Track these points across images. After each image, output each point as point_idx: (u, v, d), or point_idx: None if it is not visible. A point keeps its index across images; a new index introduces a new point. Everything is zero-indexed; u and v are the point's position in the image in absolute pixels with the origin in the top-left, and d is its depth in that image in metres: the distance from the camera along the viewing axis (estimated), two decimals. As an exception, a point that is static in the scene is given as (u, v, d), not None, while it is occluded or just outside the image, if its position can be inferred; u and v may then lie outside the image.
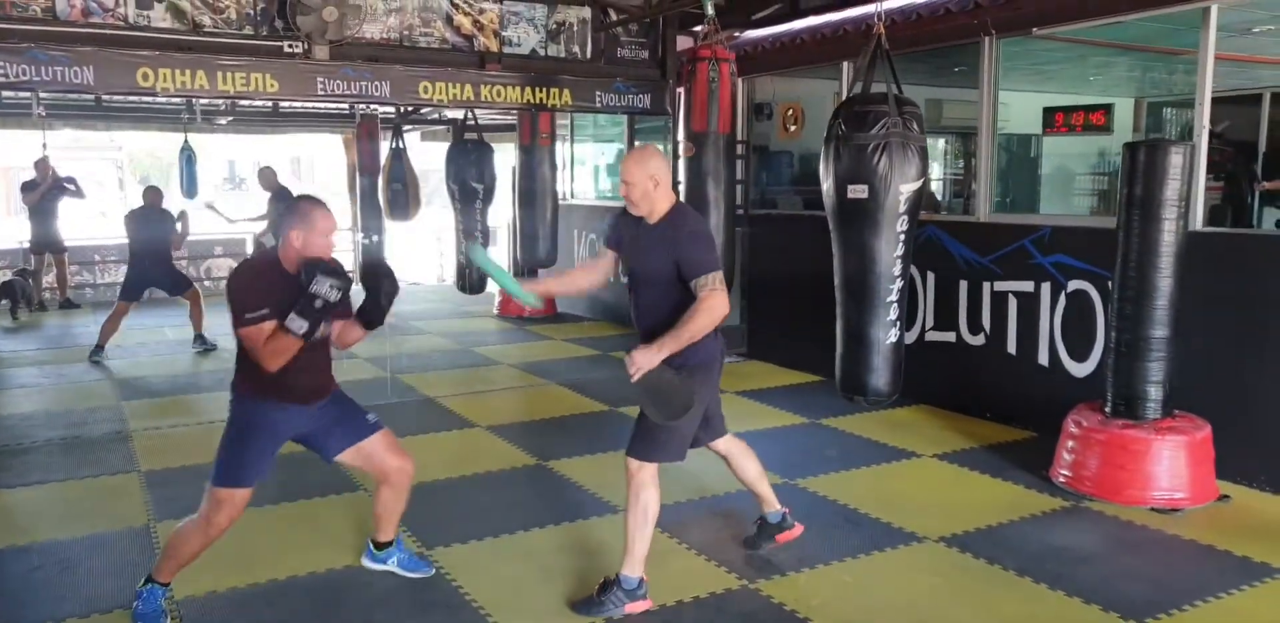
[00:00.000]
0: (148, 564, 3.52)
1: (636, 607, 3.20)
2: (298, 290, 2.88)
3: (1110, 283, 4.70)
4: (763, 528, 3.70)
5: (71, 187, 10.42)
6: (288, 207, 3.06)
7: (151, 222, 7.72)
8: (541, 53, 6.81)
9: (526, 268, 9.80)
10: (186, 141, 11.66)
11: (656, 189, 3.17)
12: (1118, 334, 4.17)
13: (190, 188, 11.78)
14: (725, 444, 3.55)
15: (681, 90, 6.37)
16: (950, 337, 5.75)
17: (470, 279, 8.67)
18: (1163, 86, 8.16)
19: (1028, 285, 5.27)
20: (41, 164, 10.27)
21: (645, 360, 3.00)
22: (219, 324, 8.15)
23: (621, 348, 8.13)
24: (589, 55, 7.00)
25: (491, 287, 9.53)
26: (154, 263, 7.67)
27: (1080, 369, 5.02)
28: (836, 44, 6.49)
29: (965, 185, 8.53)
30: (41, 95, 8.61)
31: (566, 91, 6.83)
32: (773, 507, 3.65)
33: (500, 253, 11.94)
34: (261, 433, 3.08)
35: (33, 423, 5.72)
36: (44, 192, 10.12)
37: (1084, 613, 3.15)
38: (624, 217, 3.33)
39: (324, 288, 2.85)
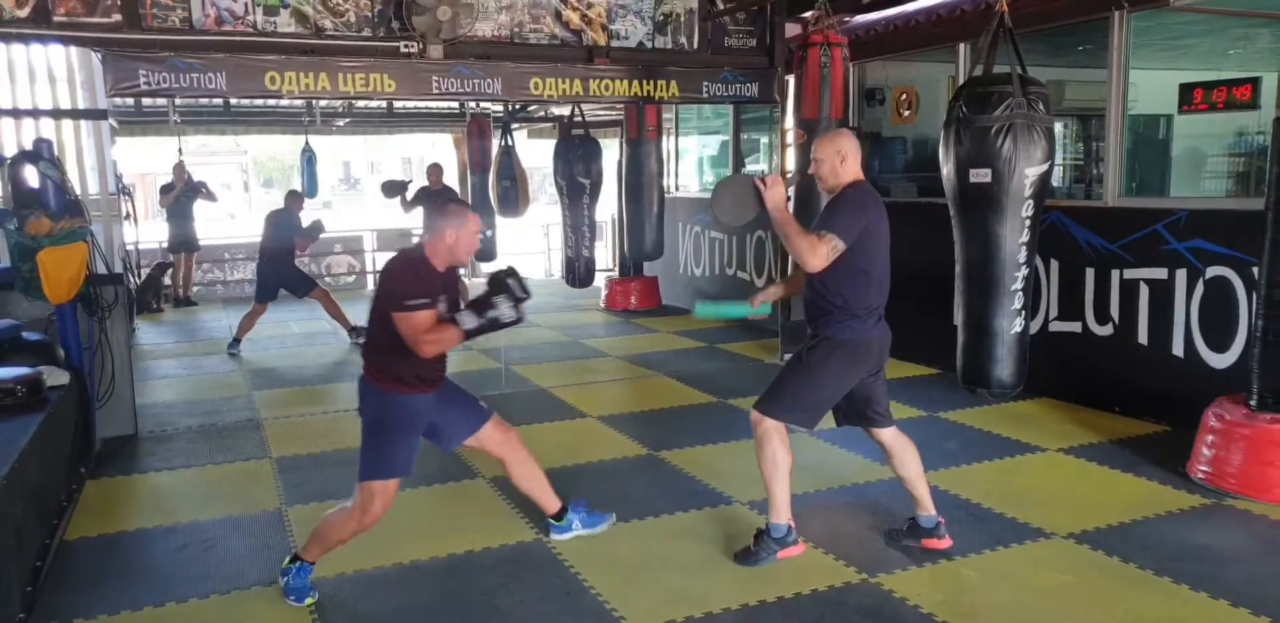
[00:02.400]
0: (280, 546, 3.75)
1: (789, 553, 3.40)
2: (442, 286, 3.06)
3: (1255, 268, 4.43)
4: (912, 529, 3.61)
5: (204, 190, 11.03)
6: (439, 209, 3.21)
7: (283, 225, 8.05)
8: (649, 45, 6.82)
9: (634, 261, 9.88)
10: (307, 143, 12.17)
11: (843, 164, 3.27)
12: (1265, 323, 3.91)
13: (311, 188, 12.29)
14: (888, 437, 3.54)
15: (791, 77, 6.28)
16: (1076, 327, 5.51)
17: (578, 273, 8.77)
18: (1311, 59, 7.60)
19: (1161, 272, 5.00)
20: (178, 168, 10.91)
21: (776, 189, 3.23)
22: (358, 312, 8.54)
23: (727, 340, 8.16)
24: (696, 46, 6.98)
25: (598, 281, 9.65)
26: (279, 265, 8.02)
27: (1219, 360, 4.73)
28: (953, 25, 6.29)
29: (1086, 170, 8.16)
30: (177, 103, 9.21)
31: (674, 83, 6.83)
32: (927, 511, 3.55)
33: (606, 247, 12.06)
34: (405, 425, 3.22)
35: (174, 411, 6.07)
36: (178, 194, 10.74)
37: (1233, 617, 2.97)
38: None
39: (505, 306, 3.03)
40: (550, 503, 3.70)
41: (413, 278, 3.06)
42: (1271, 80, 7.60)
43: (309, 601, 3.26)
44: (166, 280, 11.09)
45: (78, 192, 5.10)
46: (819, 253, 3.15)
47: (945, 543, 3.54)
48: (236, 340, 8.11)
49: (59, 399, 4.22)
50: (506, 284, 3.05)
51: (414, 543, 3.74)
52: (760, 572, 3.42)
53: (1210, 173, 7.92)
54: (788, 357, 7.00)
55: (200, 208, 11.35)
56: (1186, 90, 5.25)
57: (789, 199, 3.25)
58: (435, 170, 9.01)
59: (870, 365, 3.38)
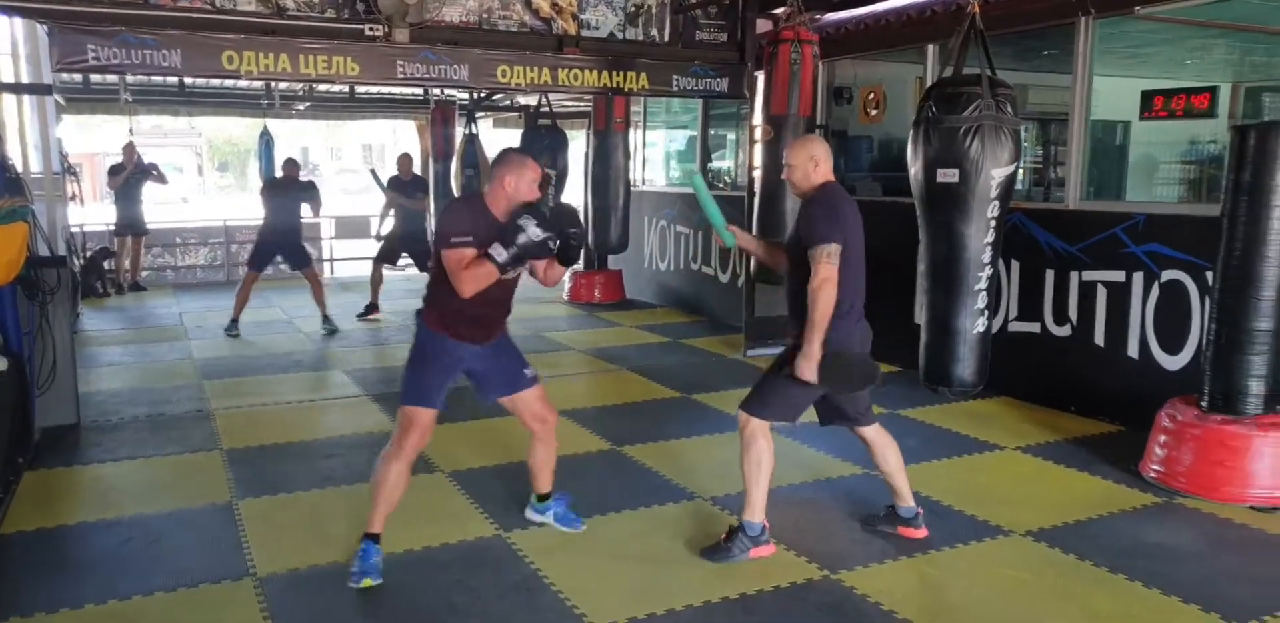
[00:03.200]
0: (230, 540, 3.65)
1: (761, 552, 3.42)
2: (499, 232, 3.12)
3: (1209, 273, 4.52)
4: (889, 516, 3.70)
5: (155, 172, 10.74)
6: (501, 157, 3.28)
7: (286, 194, 7.97)
8: (619, 36, 6.77)
9: (599, 254, 9.84)
10: (266, 126, 11.93)
11: (816, 169, 3.32)
12: (1218, 326, 4.00)
13: (269, 171, 12.05)
14: (871, 433, 3.62)
15: (761, 73, 6.27)
16: (1035, 327, 5.59)
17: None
18: (1263, 71, 7.80)
19: (1118, 275, 5.09)
20: (128, 149, 10.60)
21: (809, 369, 3.17)
22: (332, 305, 8.41)
23: (691, 336, 8.15)
24: (667, 38, 6.94)
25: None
26: (285, 233, 7.94)
27: (1173, 362, 4.83)
28: (923, 26, 6.33)
29: (1045, 174, 8.29)
30: (128, 81, 8.94)
31: (644, 75, 6.78)
32: (907, 502, 3.64)
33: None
34: (439, 362, 3.33)
35: (119, 400, 5.89)
36: (128, 176, 10.45)
37: (1183, 613, 3.03)
38: None
39: (531, 227, 3.07)
40: (546, 484, 3.77)
41: (465, 218, 3.16)
42: (1223, 91, 7.80)
43: (366, 582, 3.22)
44: (108, 265, 10.79)
45: (19, 170, 4.92)
46: (830, 277, 3.16)
47: (921, 533, 3.62)
48: (234, 321, 8.00)
49: None
50: (528, 215, 3.11)
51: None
52: (722, 568, 3.41)
53: (1162, 180, 8.10)
54: (751, 353, 6.99)
55: (151, 191, 11.06)
56: (1147, 97, 5.35)
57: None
58: (405, 160, 8.87)
59: None
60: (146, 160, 10.87)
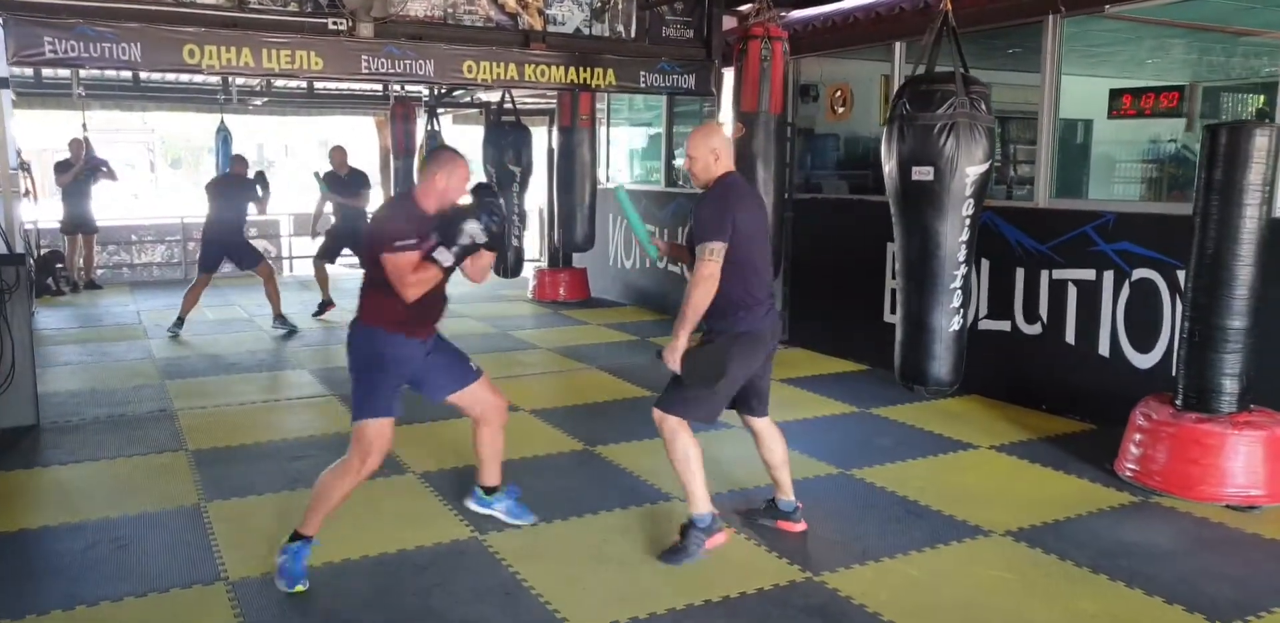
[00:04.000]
0: (199, 544, 3.54)
1: (716, 541, 3.39)
2: (434, 227, 3.10)
3: (1179, 272, 4.56)
4: (769, 510, 3.75)
5: (105, 168, 10.43)
6: (434, 154, 3.28)
7: (231, 191, 7.68)
8: (586, 32, 6.70)
9: (565, 251, 9.75)
10: (223, 122, 11.66)
11: (717, 162, 3.31)
12: (1190, 324, 4.02)
13: (225, 167, 11.78)
14: (762, 425, 3.63)
15: (731, 70, 6.23)
16: (1005, 326, 5.61)
17: (506, 263, 8.60)
18: (1220, 70, 7.92)
19: (1089, 273, 5.12)
20: (75, 145, 10.27)
21: (673, 356, 3.26)
22: (292, 303, 8.18)
23: (659, 334, 8.09)
24: (634, 34, 6.88)
25: (527, 271, 9.48)
26: (228, 232, 7.66)
27: (1144, 360, 4.87)
28: (891, 23, 6.33)
29: (1004, 172, 8.35)
30: (81, 75, 8.67)
31: (610, 71, 6.72)
32: (788, 496, 3.70)
33: (535, 237, 11.88)
34: (393, 363, 3.23)
35: (79, 400, 5.72)
36: (77, 173, 10.13)
37: (1166, 613, 3.03)
38: None
39: (474, 228, 3.06)
40: (492, 477, 3.72)
41: (403, 219, 3.12)
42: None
43: (299, 588, 3.12)
44: (62, 264, 10.48)
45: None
46: (711, 274, 3.19)
47: (800, 527, 3.69)
48: (180, 320, 7.72)
49: None
50: (474, 213, 3.09)
51: (343, 542, 3.55)
52: (703, 570, 3.37)
53: (1121, 178, 8.21)
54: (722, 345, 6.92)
55: (102, 188, 10.75)
56: (1116, 96, 5.39)
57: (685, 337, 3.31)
58: (339, 154, 8.58)
59: (763, 356, 3.47)
60: (97, 156, 10.56)
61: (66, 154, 10.46)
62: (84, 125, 10.74)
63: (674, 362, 3.26)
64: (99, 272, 10.98)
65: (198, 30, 5.38)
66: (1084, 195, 7.42)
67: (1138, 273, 4.87)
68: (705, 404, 3.39)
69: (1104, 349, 5.06)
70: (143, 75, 9.89)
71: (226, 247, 7.71)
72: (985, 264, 5.69)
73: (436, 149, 3.34)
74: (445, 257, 3.06)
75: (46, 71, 9.31)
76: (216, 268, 7.83)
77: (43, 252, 10.28)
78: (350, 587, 3.24)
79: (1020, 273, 5.50)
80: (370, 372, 3.23)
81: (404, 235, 3.05)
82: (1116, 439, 4.35)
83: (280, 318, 7.93)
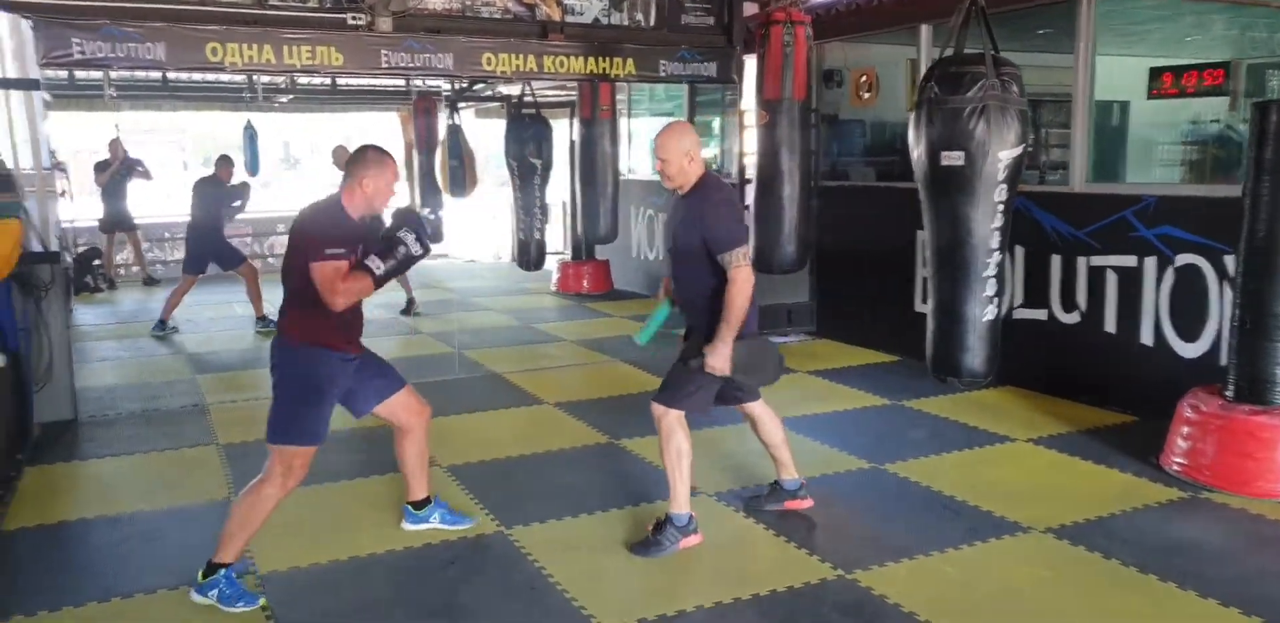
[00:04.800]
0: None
1: (690, 541, 3.36)
2: (361, 235, 2.99)
3: (1227, 256, 4.39)
4: (774, 492, 3.75)
5: (140, 168, 10.53)
6: (357, 155, 3.10)
7: (210, 193, 7.67)
8: (605, 21, 6.60)
9: (588, 243, 9.67)
10: (249, 121, 11.70)
11: (691, 164, 3.26)
12: (1241, 311, 3.86)
13: (254, 165, 11.83)
14: (757, 408, 3.63)
15: (751, 57, 6.11)
16: (1041, 314, 5.45)
17: (529, 256, 8.54)
18: (1264, 47, 7.65)
19: (1129, 260, 4.95)
20: (114, 145, 10.39)
21: (720, 360, 3.18)
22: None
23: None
24: (653, 23, 6.77)
25: (549, 264, 9.44)
26: (208, 233, 7.61)
27: (1190, 350, 4.70)
28: (915, 5, 6.17)
29: (1036, 157, 8.15)
30: (111, 77, 8.71)
31: (630, 61, 6.62)
32: (791, 475, 3.71)
33: (558, 229, 11.80)
34: (326, 383, 3.08)
35: (115, 395, 5.79)
36: (114, 172, 10.24)
37: (1222, 616, 2.88)
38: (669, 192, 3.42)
39: (412, 241, 2.97)
40: (420, 489, 3.57)
41: (330, 226, 2.97)
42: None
43: (262, 601, 3.05)
44: (122, 258, 10.66)
45: (9, 166, 4.78)
46: (747, 275, 3.19)
47: (808, 503, 3.72)
48: (162, 321, 7.70)
49: None
50: (407, 223, 3.01)
51: (369, 535, 3.56)
52: (732, 567, 3.30)
53: (1162, 160, 7.97)
54: (769, 339, 6.83)
55: (136, 187, 10.83)
56: (1155, 74, 5.19)
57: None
58: (341, 152, 8.05)
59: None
60: (132, 156, 10.66)
61: (105, 155, 10.57)
62: (116, 126, 10.84)
63: (723, 366, 3.19)
64: (153, 267, 11.06)
65: (220, 28, 5.37)
66: (1122, 179, 7.22)
67: (1181, 258, 4.70)
68: (702, 396, 3.38)
69: (1147, 338, 4.90)
70: (170, 75, 9.93)
71: (207, 248, 7.64)
72: (1020, 251, 5.53)
73: (361, 149, 3.13)
74: (377, 265, 2.93)
75: (79, 73, 9.35)
76: (203, 270, 7.72)
77: (81, 250, 10.39)
78: (377, 582, 3.21)
79: (1056, 260, 5.34)
80: (301, 395, 3.04)
81: (334, 243, 2.90)
82: (1161, 432, 4.19)
83: (263, 319, 7.75)
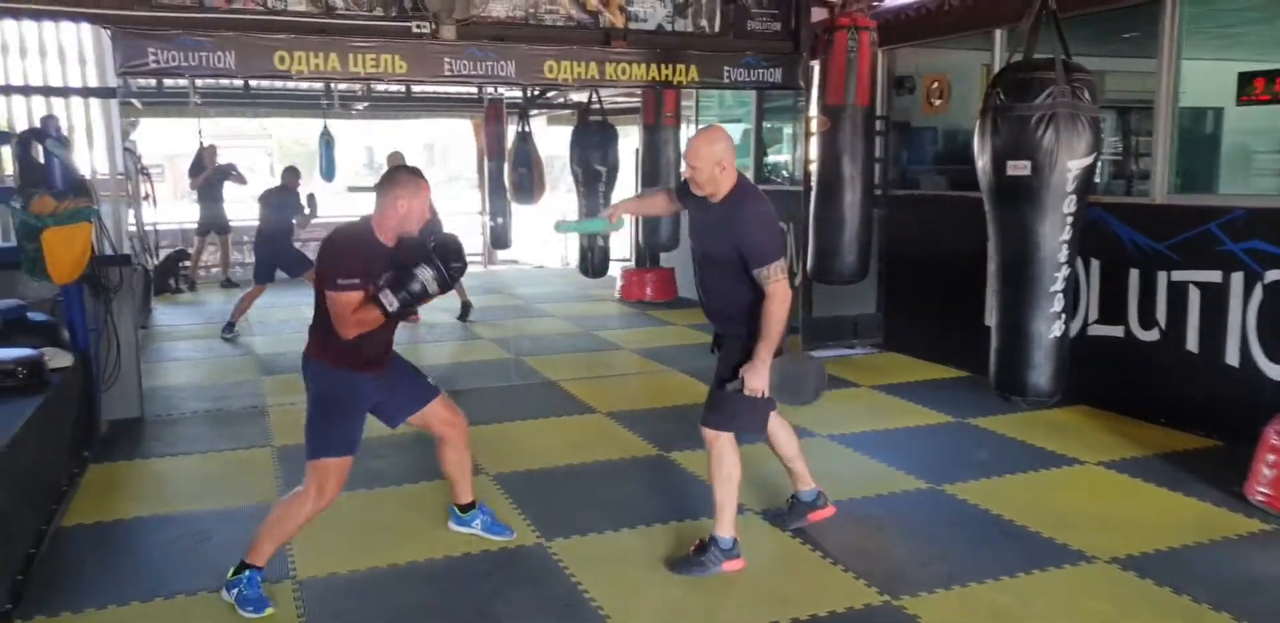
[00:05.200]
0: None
1: (733, 565, 3.27)
2: (388, 263, 2.94)
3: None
4: (794, 507, 3.68)
5: (234, 172, 10.88)
6: (388, 177, 3.04)
7: (279, 203, 7.84)
8: (668, 28, 6.55)
9: (649, 252, 9.63)
10: (325, 127, 11.99)
11: (723, 173, 3.15)
12: (1333, 332, 3.60)
13: (329, 171, 12.12)
14: (771, 420, 3.52)
15: (816, 62, 5.98)
16: (1118, 331, 5.19)
17: (592, 263, 8.52)
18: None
19: (1214, 275, 4.68)
20: (210, 151, 10.77)
21: (758, 379, 3.08)
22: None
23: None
24: (717, 29, 6.69)
25: (613, 271, 9.40)
26: (277, 241, 7.78)
27: (1279, 372, 4.41)
28: (989, 9, 5.96)
29: (1126, 166, 7.82)
30: (197, 84, 9.03)
31: (693, 68, 6.54)
32: (808, 485, 3.65)
33: (623, 237, 11.78)
34: (356, 400, 3.11)
35: (183, 395, 5.95)
36: (208, 176, 10.61)
37: (1301, 661, 2.68)
38: (689, 190, 3.26)
39: (427, 276, 2.88)
40: (465, 494, 3.60)
41: (350, 255, 2.92)
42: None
43: (269, 611, 3.04)
44: (207, 259, 11.02)
45: (87, 171, 4.97)
46: (785, 290, 3.08)
47: (830, 511, 3.66)
48: (231, 324, 7.90)
49: (61, 382, 4.13)
50: (428, 257, 2.91)
51: (410, 543, 3.55)
52: (773, 589, 3.20)
53: (1260, 170, 7.56)
54: (811, 354, 6.71)
55: (231, 190, 11.20)
56: (1246, 80, 4.91)
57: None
58: (395, 159, 8.29)
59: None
60: (225, 161, 11.04)
61: (191, 159, 10.97)
62: (199, 131, 11.24)
63: (764, 387, 3.09)
64: (234, 270, 11.37)
65: (288, 37, 5.50)
66: (1215, 190, 6.87)
67: (1272, 275, 4.41)
68: (749, 417, 3.31)
69: (1232, 358, 4.61)
70: (252, 83, 10.25)
71: (276, 256, 7.80)
72: (1095, 265, 5.29)
73: (394, 170, 3.08)
74: (390, 301, 2.87)
75: (167, 81, 9.73)
76: (271, 278, 7.89)
77: (167, 252, 10.78)
78: (412, 590, 3.21)
79: (1134, 275, 5.08)
80: (327, 411, 3.07)
81: (349, 273, 2.86)
82: (1245, 459, 3.92)
83: None
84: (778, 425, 3.58)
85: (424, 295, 2.91)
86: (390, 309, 2.87)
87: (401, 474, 4.32)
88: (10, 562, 3.12)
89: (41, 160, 4.41)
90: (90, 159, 5.10)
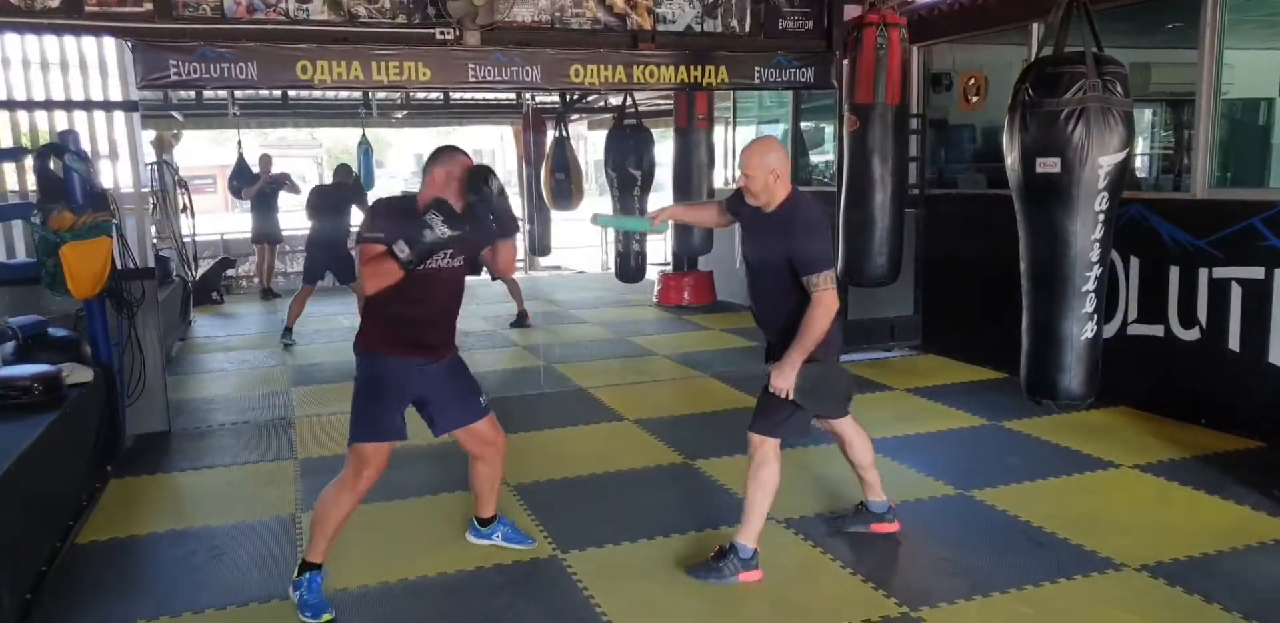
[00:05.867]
0: (286, 556, 3.54)
1: (750, 576, 3.22)
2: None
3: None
4: (860, 513, 3.66)
5: (287, 182, 11.00)
6: (434, 153, 3.13)
7: (332, 203, 7.82)
8: (697, 29, 6.50)
9: (686, 256, 9.59)
10: (364, 136, 12.14)
11: (777, 182, 3.17)
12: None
13: (368, 180, 12.25)
14: (845, 426, 3.53)
15: (846, 60, 5.90)
16: (1158, 330, 5.03)
17: (628, 267, 8.51)
18: None
19: (1257, 272, 4.51)
20: (264, 161, 10.94)
21: (785, 381, 3.07)
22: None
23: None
24: (748, 29, 6.63)
25: (651, 274, 9.37)
26: (330, 245, 7.79)
27: (1325, 371, 4.25)
28: (1024, 3, 5.82)
29: (1176, 161, 7.58)
30: (236, 96, 9.18)
31: (723, 69, 6.49)
32: (879, 497, 3.61)
33: (657, 242, 11.75)
34: (388, 386, 3.09)
35: (212, 407, 5.99)
36: (262, 187, 10.74)
37: (1336, 677, 2.55)
38: (741, 199, 3.32)
39: (438, 224, 2.87)
40: (488, 509, 3.58)
41: (382, 216, 2.99)
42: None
43: (326, 617, 3.05)
44: (233, 272, 11.12)
45: (109, 185, 5.04)
46: (832, 300, 3.08)
47: (894, 527, 3.61)
48: (288, 329, 7.97)
49: (80, 397, 4.14)
50: (434, 209, 2.90)
51: (425, 556, 3.54)
52: (789, 599, 3.14)
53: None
54: (844, 358, 6.64)
55: (284, 200, 11.34)
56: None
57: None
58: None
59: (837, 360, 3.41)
60: (280, 171, 11.18)
61: (254, 170, 11.14)
62: (239, 142, 11.46)
63: (786, 387, 3.08)
64: (277, 280, 11.52)
65: (310, 47, 5.53)
66: (1265, 184, 6.63)
67: (1315, 270, 4.25)
68: (796, 422, 3.26)
69: (1275, 357, 4.44)
70: (291, 93, 10.41)
71: (329, 259, 7.82)
72: (1134, 262, 5.13)
73: (438, 148, 3.18)
74: (402, 249, 2.85)
75: (207, 93, 9.90)
76: (320, 279, 7.94)
77: (209, 263, 10.95)
78: (425, 604, 3.19)
79: (1174, 272, 4.92)
80: (368, 395, 3.10)
81: (374, 229, 2.94)
82: (1288, 461, 3.79)
83: None
84: (854, 432, 3.54)
85: (437, 243, 2.88)
86: (401, 256, 2.85)
87: (421, 485, 4.28)
88: (19, 581, 3.11)
89: (61, 176, 4.42)
90: (113, 173, 5.15)
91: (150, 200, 8.98)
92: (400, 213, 2.98)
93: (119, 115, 5.21)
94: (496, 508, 3.63)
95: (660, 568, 3.38)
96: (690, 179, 7.87)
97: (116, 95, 5.23)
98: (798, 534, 3.65)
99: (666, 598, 3.17)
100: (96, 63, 5.24)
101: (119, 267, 4.72)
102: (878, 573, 3.29)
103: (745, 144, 3.30)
